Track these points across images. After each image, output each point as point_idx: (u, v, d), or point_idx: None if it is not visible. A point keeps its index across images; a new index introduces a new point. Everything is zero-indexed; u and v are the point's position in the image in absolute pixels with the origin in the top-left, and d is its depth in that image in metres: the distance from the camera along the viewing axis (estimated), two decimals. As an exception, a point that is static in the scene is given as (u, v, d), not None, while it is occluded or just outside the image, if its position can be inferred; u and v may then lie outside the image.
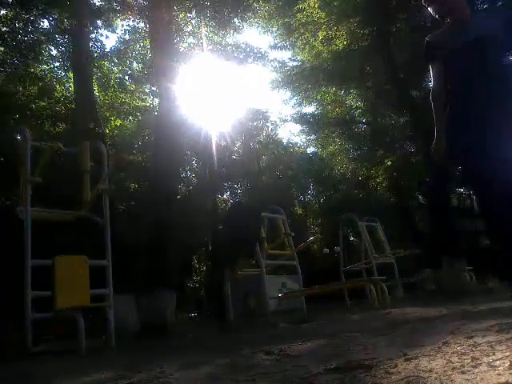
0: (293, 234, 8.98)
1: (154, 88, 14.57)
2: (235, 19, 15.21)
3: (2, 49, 11.51)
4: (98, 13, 12.23)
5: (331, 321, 6.47)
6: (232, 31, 16.12)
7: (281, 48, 19.08)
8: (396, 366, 1.75)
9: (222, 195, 16.43)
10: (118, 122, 14.94)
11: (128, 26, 14.74)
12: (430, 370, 1.56)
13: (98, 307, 5.17)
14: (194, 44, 16.29)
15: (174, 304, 7.47)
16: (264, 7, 16.38)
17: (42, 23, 12.71)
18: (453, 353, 1.83)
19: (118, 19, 14.11)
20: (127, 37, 15.45)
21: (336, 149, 19.12)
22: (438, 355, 1.83)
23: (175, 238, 8.64)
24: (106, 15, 12.95)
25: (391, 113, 16.78)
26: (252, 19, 16.61)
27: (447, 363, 1.65)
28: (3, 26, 11.39)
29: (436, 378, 1.45)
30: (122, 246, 6.16)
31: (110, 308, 5.11)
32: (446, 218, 14.49)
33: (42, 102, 10.23)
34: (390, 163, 15.96)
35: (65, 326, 4.80)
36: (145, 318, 6.65)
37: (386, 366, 1.76)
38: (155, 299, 7.13)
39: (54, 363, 3.86)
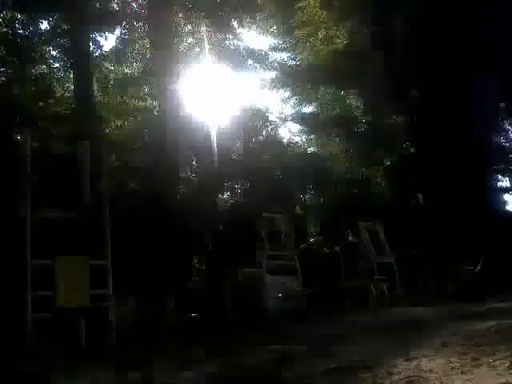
0: (293, 235, 8.97)
1: (153, 88, 14.56)
2: (234, 21, 15.18)
3: (3, 49, 11.51)
4: (97, 15, 12.24)
5: (331, 321, 6.47)
6: (231, 36, 16.11)
7: (281, 50, 19.07)
8: (396, 365, 1.75)
9: (222, 195, 16.41)
10: (118, 122, 14.91)
11: (127, 25, 14.72)
12: (431, 370, 1.57)
13: (97, 307, 5.16)
14: (194, 44, 16.28)
15: (173, 304, 7.47)
16: (264, 9, 16.34)
17: (41, 24, 12.74)
18: (453, 353, 1.83)
19: (118, 22, 14.07)
20: (126, 37, 15.42)
21: (336, 149, 19.10)
22: (438, 355, 1.83)
23: (175, 237, 8.63)
24: (107, 18, 12.93)
25: (391, 112, 16.75)
26: (251, 21, 16.59)
27: (447, 363, 1.65)
28: (3, 28, 11.40)
29: (436, 378, 1.45)
30: (121, 246, 6.15)
31: (110, 308, 5.11)
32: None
33: (42, 103, 10.23)
34: (389, 163, 15.94)
35: (65, 326, 4.79)
36: (144, 318, 6.64)
37: (386, 366, 1.77)
38: (155, 299, 7.12)
39: (54, 363, 3.86)
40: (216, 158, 13.92)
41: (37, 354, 4.39)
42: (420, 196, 17.62)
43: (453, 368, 1.56)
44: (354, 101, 19.21)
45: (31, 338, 4.54)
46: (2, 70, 11.12)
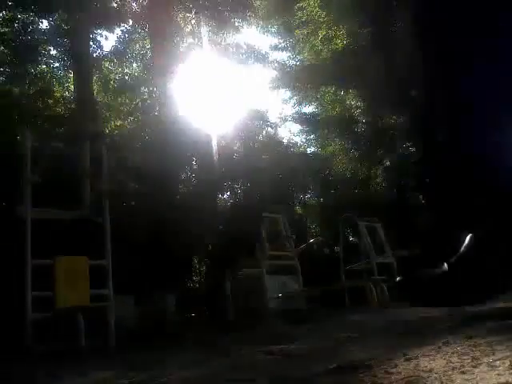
0: (294, 236, 8.98)
1: (153, 88, 14.57)
2: (235, 19, 15.26)
3: (2, 48, 11.51)
4: (98, 15, 12.27)
5: (331, 321, 6.47)
6: (232, 32, 16.17)
7: (281, 49, 19.11)
8: (396, 365, 1.75)
9: (222, 195, 16.42)
10: (118, 122, 14.93)
11: (127, 26, 14.76)
12: (430, 370, 1.57)
13: (97, 307, 5.17)
14: (194, 44, 16.32)
15: (173, 304, 7.48)
16: (263, 7, 16.44)
17: (41, 24, 12.76)
18: (453, 353, 1.83)
19: (118, 21, 14.09)
20: (127, 36, 15.45)
21: (336, 148, 19.12)
22: (438, 355, 1.83)
23: (175, 238, 8.64)
24: (107, 18, 12.97)
25: (391, 112, 16.77)
26: (252, 18, 16.66)
27: (447, 363, 1.65)
28: (2, 27, 11.40)
29: (436, 378, 1.45)
30: (121, 246, 6.16)
31: (110, 308, 5.11)
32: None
33: (42, 102, 10.23)
34: (388, 163, 15.96)
35: (64, 326, 4.80)
36: (144, 317, 6.65)
37: (385, 366, 1.76)
38: (155, 299, 7.13)
39: (54, 363, 3.86)
40: (216, 158, 13.93)
41: (36, 353, 4.39)
42: (420, 196, 17.65)
43: (453, 368, 1.56)
44: (354, 101, 19.22)
45: (31, 338, 4.54)
46: (1, 69, 11.12)
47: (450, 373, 1.50)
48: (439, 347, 2.02)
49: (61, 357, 4.22)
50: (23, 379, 3.36)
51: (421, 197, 17.69)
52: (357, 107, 19.03)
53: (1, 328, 4.93)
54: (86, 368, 3.46)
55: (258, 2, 16.11)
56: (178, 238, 8.69)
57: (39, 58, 12.92)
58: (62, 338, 4.79)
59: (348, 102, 19.31)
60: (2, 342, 4.66)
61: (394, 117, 16.71)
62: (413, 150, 16.94)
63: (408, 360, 1.82)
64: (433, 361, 1.74)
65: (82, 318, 4.46)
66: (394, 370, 1.68)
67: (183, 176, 14.25)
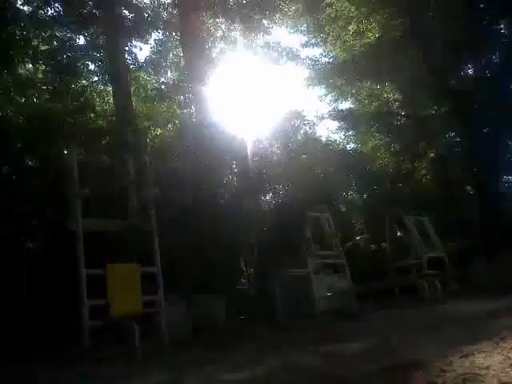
0: (338, 234, 8.90)
1: (189, 95, 14.73)
2: (264, 20, 15.28)
3: (44, 67, 11.90)
4: (131, 27, 12.56)
5: (382, 319, 6.38)
6: (262, 33, 16.19)
7: (312, 45, 18.96)
8: (451, 363, 1.72)
9: (265, 197, 16.42)
10: (158, 131, 15.17)
11: (160, 34, 14.99)
12: (487, 367, 1.53)
13: (150, 313, 5.27)
14: (226, 48, 16.42)
15: (223, 307, 7.54)
16: (291, 7, 16.39)
17: (78, 40, 13.14)
18: (510, 348, 1.78)
19: (151, 31, 14.36)
20: (160, 46, 15.71)
21: (376, 143, 18.79)
22: (495, 351, 1.79)
23: (221, 242, 8.71)
24: (140, 29, 13.25)
25: (430, 103, 16.36)
26: (281, 19, 16.64)
27: (505, 359, 1.61)
28: (42, 45, 11.78)
29: (494, 375, 1.41)
30: (170, 253, 6.26)
31: (162, 313, 5.21)
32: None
33: (84, 117, 10.51)
34: (432, 154, 15.56)
35: (119, 332, 4.92)
36: (196, 321, 6.73)
37: (440, 364, 1.74)
38: (205, 303, 7.20)
39: (112, 367, 3.97)
40: (255, 160, 13.97)
41: (95, 359, 4.52)
42: (469, 187, 17.09)
43: (511, 364, 1.52)
44: (391, 94, 18.86)
45: (88, 344, 4.67)
46: (44, 87, 11.49)
47: (508, 369, 1.46)
48: (496, 343, 1.97)
49: (117, 361, 4.34)
50: (80, 380, 3.47)
51: (469, 188, 17.15)
52: (394, 100, 18.66)
53: (61, 334, 5.10)
54: (141, 371, 3.55)
55: (287, 3, 16.06)
56: (224, 242, 8.75)
57: (78, 74, 13.28)
58: (117, 343, 4.91)
59: (385, 96, 18.95)
60: (63, 348, 4.83)
61: (434, 107, 16.28)
62: (457, 140, 16.46)
63: (463, 357, 1.78)
64: (489, 357, 1.70)
65: (136, 325, 4.57)
66: (448, 368, 1.65)
67: (225, 180, 14.35)
